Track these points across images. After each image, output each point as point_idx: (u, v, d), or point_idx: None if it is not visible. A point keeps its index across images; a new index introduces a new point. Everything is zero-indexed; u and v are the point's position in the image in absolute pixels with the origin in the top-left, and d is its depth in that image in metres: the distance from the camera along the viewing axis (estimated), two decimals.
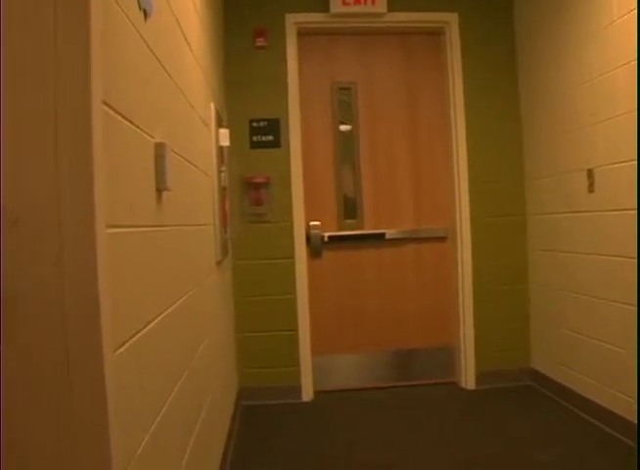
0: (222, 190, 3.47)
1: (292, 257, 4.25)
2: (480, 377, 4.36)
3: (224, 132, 3.50)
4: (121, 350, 1.32)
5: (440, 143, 4.46)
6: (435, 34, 4.42)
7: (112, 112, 1.31)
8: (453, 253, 4.43)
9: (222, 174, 3.49)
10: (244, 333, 4.23)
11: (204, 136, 2.87)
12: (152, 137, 1.68)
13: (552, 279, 4.08)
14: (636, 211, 3.10)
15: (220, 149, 3.47)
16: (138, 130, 1.54)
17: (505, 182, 4.38)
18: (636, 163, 3.09)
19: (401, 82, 4.46)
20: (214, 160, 3.19)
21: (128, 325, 1.39)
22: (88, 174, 1.13)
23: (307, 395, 4.28)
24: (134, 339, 1.42)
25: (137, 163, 1.53)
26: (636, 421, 3.13)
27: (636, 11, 3.04)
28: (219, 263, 3.30)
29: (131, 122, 1.47)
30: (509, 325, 4.40)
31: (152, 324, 1.61)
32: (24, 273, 1.12)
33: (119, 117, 1.37)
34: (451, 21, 4.32)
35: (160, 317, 1.71)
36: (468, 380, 4.38)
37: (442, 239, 4.46)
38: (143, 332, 1.52)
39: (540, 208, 4.20)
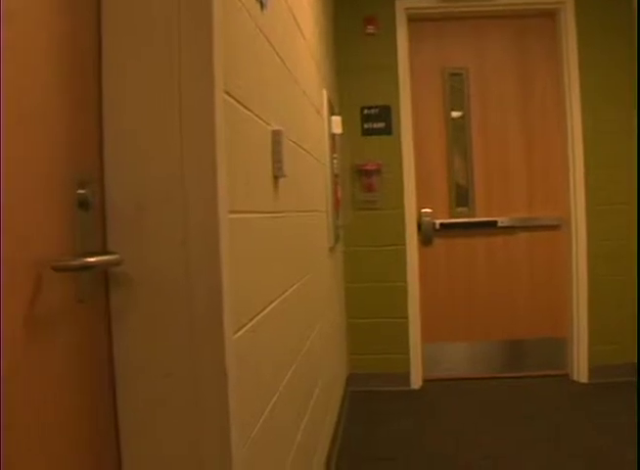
0: (334, 177, 3.48)
1: (403, 244, 4.21)
2: (592, 370, 4.18)
3: (336, 120, 3.51)
4: (240, 333, 1.34)
5: (554, 129, 4.29)
6: (549, 16, 4.24)
7: (232, 100, 1.34)
8: (567, 241, 4.25)
9: (334, 161, 3.50)
10: (354, 319, 4.24)
11: (316, 124, 2.88)
12: (269, 125, 1.71)
13: None
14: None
15: (332, 136, 3.48)
16: (256, 118, 1.56)
17: (621, 170, 4.15)
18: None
19: (514, 67, 4.31)
20: (327, 147, 3.21)
21: (247, 309, 1.42)
22: (211, 161, 1.15)
23: (416, 382, 4.25)
24: (252, 322, 1.45)
25: (255, 150, 1.56)
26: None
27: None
28: (331, 250, 3.32)
29: (250, 111, 1.50)
30: (625, 317, 4.18)
31: (268, 308, 1.64)
32: (152, 258, 1.16)
33: (239, 106, 1.40)
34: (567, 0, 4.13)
35: (276, 301, 1.74)
36: (580, 373, 4.20)
37: (556, 227, 4.30)
38: (260, 316, 1.54)
39: None
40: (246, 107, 1.45)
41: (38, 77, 0.98)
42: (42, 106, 0.99)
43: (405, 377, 4.25)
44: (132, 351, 1.18)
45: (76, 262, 1.02)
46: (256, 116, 1.56)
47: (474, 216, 4.33)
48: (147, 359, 1.17)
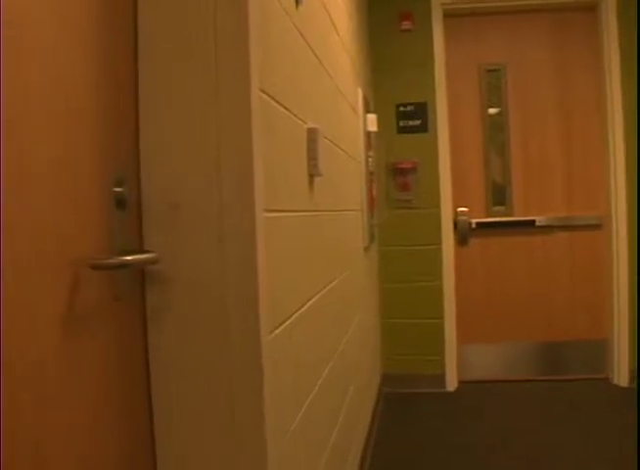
0: (369, 175, 3.47)
1: (438, 243, 4.18)
2: (634, 374, 4.10)
3: (372, 117, 3.50)
4: (277, 331, 1.35)
5: (594, 125, 4.21)
6: (589, 9, 4.17)
7: (268, 98, 1.34)
8: (607, 241, 4.18)
9: (370, 160, 3.49)
10: (388, 319, 4.23)
11: (351, 121, 2.87)
12: (304, 122, 1.70)
13: None
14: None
15: (368, 134, 3.47)
16: (292, 116, 1.56)
17: None
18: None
19: (552, 62, 4.24)
20: (362, 145, 3.20)
21: (282, 308, 1.42)
22: (248, 159, 1.15)
23: (451, 384, 4.22)
24: (287, 322, 1.45)
25: (291, 148, 1.56)
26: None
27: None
28: (366, 249, 3.31)
29: (286, 108, 1.50)
30: None
31: (304, 307, 1.64)
32: (187, 256, 1.16)
33: (275, 104, 1.40)
34: None
35: (311, 301, 1.73)
36: (620, 376, 4.12)
37: (596, 227, 4.22)
38: (296, 315, 1.54)
39: None
40: (281, 104, 1.45)
41: (75, 75, 0.99)
42: (79, 104, 1.00)
43: (440, 379, 4.21)
44: (167, 349, 1.19)
45: (113, 261, 1.03)
46: (292, 113, 1.56)
47: (511, 215, 4.28)
48: (182, 358, 1.18)
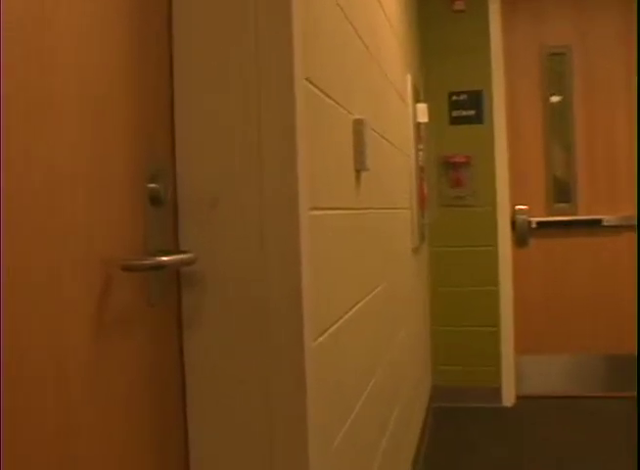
0: (420, 170, 3.47)
1: (494, 244, 4.15)
2: None
3: (422, 107, 3.49)
4: (321, 339, 1.35)
5: None
6: None
7: (313, 88, 1.35)
8: None
9: (420, 153, 3.48)
10: (439, 327, 4.21)
11: (400, 112, 2.87)
12: (351, 113, 1.71)
13: None
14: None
15: (417, 126, 3.46)
16: (338, 106, 1.57)
17: None
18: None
19: (622, 44, 4.17)
20: (412, 137, 3.19)
21: (327, 313, 1.43)
22: (291, 153, 1.16)
23: (508, 399, 4.18)
24: (332, 328, 1.46)
25: (337, 141, 1.57)
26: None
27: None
28: (416, 250, 3.30)
29: (331, 98, 1.50)
30: None
31: (350, 313, 1.65)
32: (227, 257, 1.18)
33: (320, 93, 1.41)
34: None
35: (357, 306, 1.74)
36: None
37: None
38: (341, 321, 1.55)
39: None
40: (327, 94, 1.46)
41: (106, 64, 1.01)
42: (110, 95, 1.02)
43: (496, 393, 4.18)
44: (204, 355, 1.20)
45: (147, 262, 1.04)
46: (338, 103, 1.57)
47: (575, 214, 4.23)
48: (220, 365, 1.19)
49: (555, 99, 4.26)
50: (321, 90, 1.41)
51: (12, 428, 0.76)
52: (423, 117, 3.51)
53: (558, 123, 4.25)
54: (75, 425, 0.89)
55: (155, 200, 1.14)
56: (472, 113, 4.14)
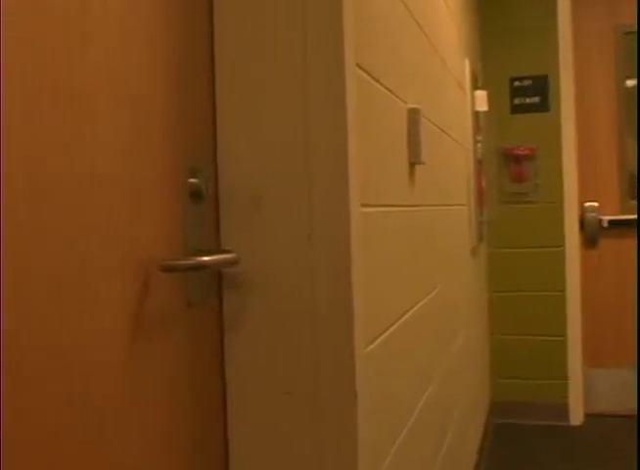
0: (478, 164, 3.46)
1: (561, 245, 4.12)
2: None
3: (481, 95, 3.48)
4: (372, 346, 1.37)
5: None
6: None
7: (365, 75, 1.36)
8: None
9: (478, 145, 3.47)
10: (499, 335, 4.19)
11: (458, 100, 2.87)
12: (405, 102, 1.72)
13: None
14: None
15: (476, 114, 3.45)
16: (391, 95, 1.58)
17: None
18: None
19: None
20: (470, 128, 3.19)
21: (379, 318, 1.44)
22: (342, 145, 1.17)
23: (576, 417, 4.14)
24: (385, 335, 1.47)
25: (390, 132, 1.58)
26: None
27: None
28: (474, 251, 3.30)
29: (384, 86, 1.52)
30: None
31: (403, 319, 1.66)
32: (272, 257, 1.19)
33: (372, 81, 1.42)
34: None
35: (411, 311, 1.75)
36: None
37: None
38: (394, 327, 1.56)
39: None
40: (379, 82, 1.47)
41: (144, 53, 1.04)
42: (148, 84, 1.05)
43: (562, 410, 4.15)
44: (247, 363, 1.22)
45: (187, 262, 1.06)
46: (391, 92, 1.58)
47: None
48: (263, 374, 1.21)
49: (630, 83, 4.21)
50: (373, 77, 1.43)
51: (47, 431, 0.79)
52: (482, 106, 3.50)
53: (633, 111, 4.20)
54: (111, 428, 0.91)
55: (195, 195, 1.16)
56: (536, 100, 4.11)
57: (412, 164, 1.79)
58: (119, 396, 0.94)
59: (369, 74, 1.39)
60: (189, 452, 1.12)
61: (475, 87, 3.45)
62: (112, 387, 0.92)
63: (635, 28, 4.15)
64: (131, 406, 0.96)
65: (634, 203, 4.18)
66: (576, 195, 4.13)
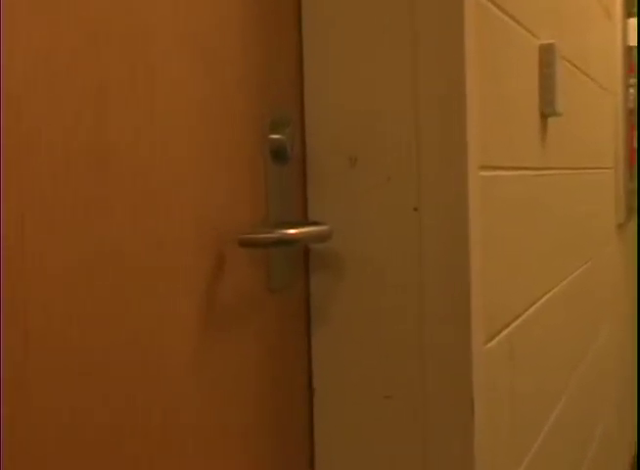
0: (629, 115, 3.39)
1: None
2: None
3: (634, 24, 3.40)
4: (491, 344, 1.37)
5: None
6: None
7: (487, 2, 1.36)
8: None
9: (630, 90, 3.40)
10: None
11: (603, 31, 2.82)
12: (536, 37, 1.71)
13: None
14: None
15: (628, 51, 3.38)
16: (519, 27, 1.57)
17: None
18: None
19: None
20: (619, 68, 3.13)
21: (502, 309, 1.44)
22: (457, 92, 1.17)
23: None
24: (509, 329, 1.47)
25: (516, 74, 1.57)
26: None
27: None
28: (621, 227, 3.25)
29: (509, 16, 1.51)
30: None
31: (529, 311, 1.65)
32: (370, 231, 1.20)
33: (497, 10, 1.41)
34: None
35: (541, 301, 1.74)
36: None
37: None
38: (520, 320, 1.56)
39: None
40: (504, 10, 1.46)
41: None
42: (226, 24, 1.07)
43: None
44: (338, 359, 1.24)
45: (271, 235, 1.06)
46: (518, 23, 1.57)
47: None
48: (357, 374, 1.23)
49: None
50: (496, 5, 1.42)
51: (111, 427, 0.83)
52: (636, 39, 3.43)
53: None
54: (176, 424, 0.95)
55: (278, 155, 1.17)
56: None
57: (544, 116, 1.78)
58: (187, 390, 0.97)
59: (492, 2, 1.38)
60: (269, 461, 1.15)
61: (628, 15, 3.38)
62: (179, 386, 0.95)
63: None
64: (200, 408, 1.00)
65: None
66: None
